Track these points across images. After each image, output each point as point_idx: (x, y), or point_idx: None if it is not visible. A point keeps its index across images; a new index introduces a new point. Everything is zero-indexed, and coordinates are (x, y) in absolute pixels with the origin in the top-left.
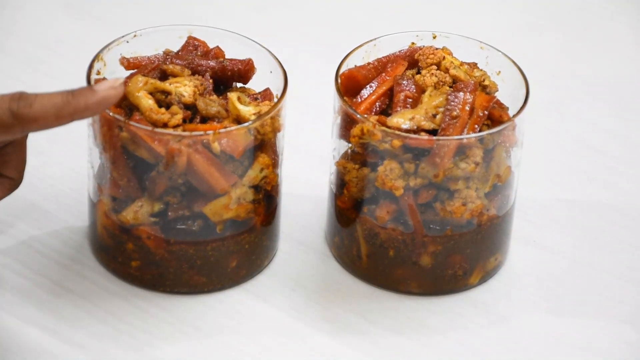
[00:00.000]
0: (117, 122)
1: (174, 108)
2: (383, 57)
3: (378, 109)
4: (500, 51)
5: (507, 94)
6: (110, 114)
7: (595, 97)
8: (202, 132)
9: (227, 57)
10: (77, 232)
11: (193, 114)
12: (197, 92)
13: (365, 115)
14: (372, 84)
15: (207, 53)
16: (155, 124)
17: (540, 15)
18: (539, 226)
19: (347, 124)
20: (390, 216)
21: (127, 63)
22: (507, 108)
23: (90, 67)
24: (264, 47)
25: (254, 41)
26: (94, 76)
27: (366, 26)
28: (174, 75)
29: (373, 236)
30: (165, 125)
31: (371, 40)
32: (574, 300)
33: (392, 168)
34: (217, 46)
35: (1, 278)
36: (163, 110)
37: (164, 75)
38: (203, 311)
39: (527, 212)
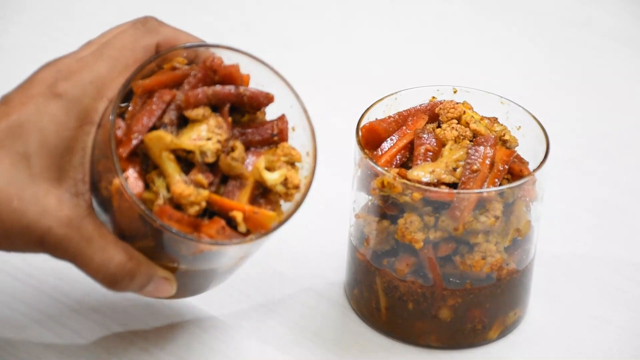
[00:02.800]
0: (163, 228)
1: (199, 179)
2: (404, 110)
3: (399, 161)
4: (520, 106)
5: (527, 149)
6: (146, 214)
7: (615, 154)
8: (238, 240)
9: (250, 85)
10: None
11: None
12: (221, 150)
13: (386, 168)
14: (393, 137)
15: (227, 77)
16: (179, 198)
17: (561, 72)
18: (558, 282)
19: (368, 177)
20: (410, 269)
21: (142, 87)
22: (528, 163)
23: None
24: (296, 97)
25: (295, 95)
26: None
27: (387, 80)
28: (195, 120)
29: (392, 289)
30: (190, 204)
31: (392, 94)
32: (593, 358)
33: (412, 221)
34: (235, 66)
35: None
36: (190, 189)
37: (180, 115)
38: None
39: (546, 267)
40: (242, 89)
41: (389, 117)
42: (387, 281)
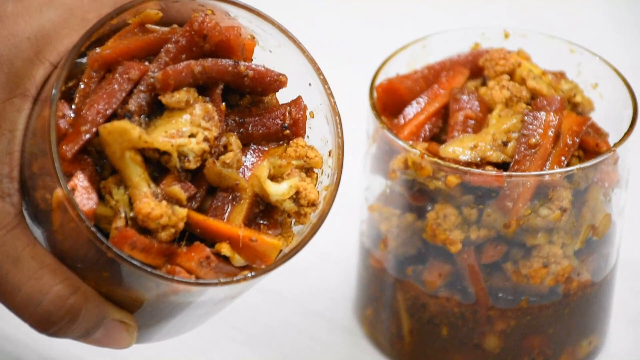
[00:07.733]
0: (123, 260)
1: (175, 191)
2: (435, 63)
3: (428, 133)
4: (597, 56)
5: (607, 115)
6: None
7: None
8: (228, 279)
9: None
10: None
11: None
12: (208, 151)
13: (411, 142)
14: (420, 100)
15: (222, 45)
16: (145, 220)
17: None
18: None
19: (385, 154)
20: (444, 281)
21: (99, 60)
22: (607, 134)
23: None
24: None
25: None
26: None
27: (413, 21)
28: (174, 108)
29: (419, 308)
30: (162, 227)
31: (419, 40)
32: None
33: (447, 215)
34: (234, 29)
35: None
36: (162, 207)
37: (154, 99)
38: None
39: (633, 278)
40: (242, 65)
41: (415, 72)
42: (412, 297)
